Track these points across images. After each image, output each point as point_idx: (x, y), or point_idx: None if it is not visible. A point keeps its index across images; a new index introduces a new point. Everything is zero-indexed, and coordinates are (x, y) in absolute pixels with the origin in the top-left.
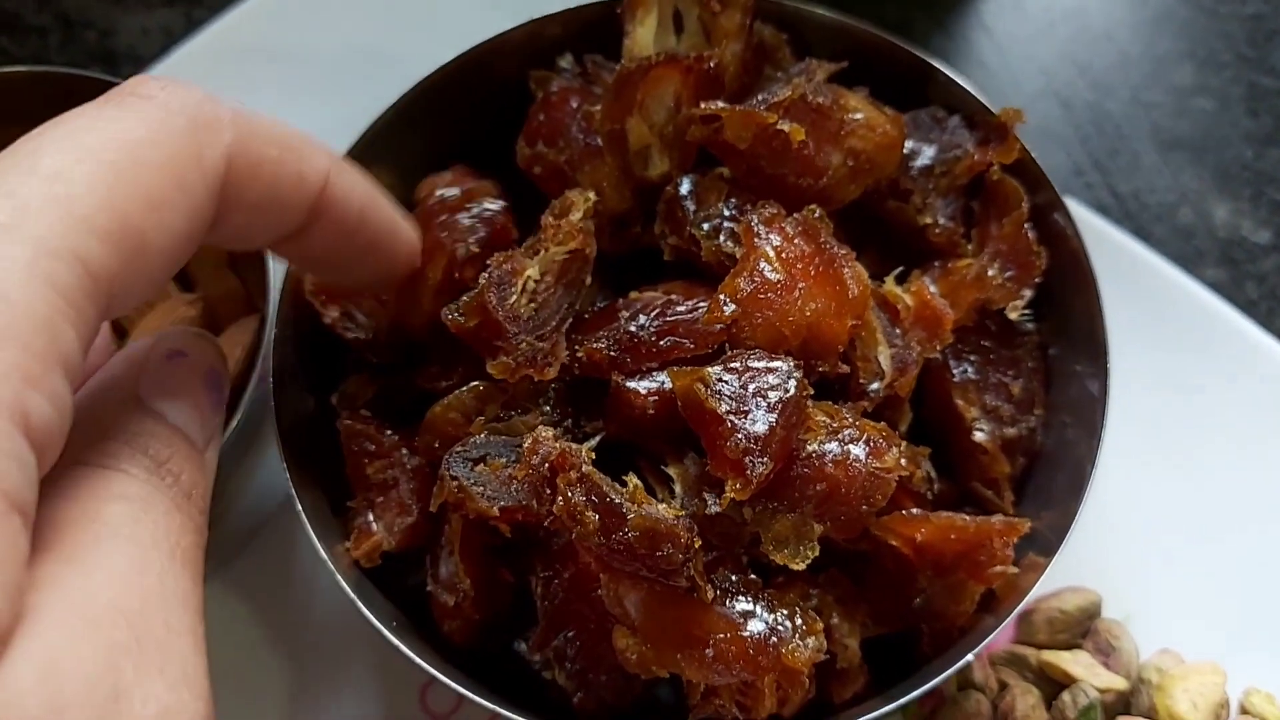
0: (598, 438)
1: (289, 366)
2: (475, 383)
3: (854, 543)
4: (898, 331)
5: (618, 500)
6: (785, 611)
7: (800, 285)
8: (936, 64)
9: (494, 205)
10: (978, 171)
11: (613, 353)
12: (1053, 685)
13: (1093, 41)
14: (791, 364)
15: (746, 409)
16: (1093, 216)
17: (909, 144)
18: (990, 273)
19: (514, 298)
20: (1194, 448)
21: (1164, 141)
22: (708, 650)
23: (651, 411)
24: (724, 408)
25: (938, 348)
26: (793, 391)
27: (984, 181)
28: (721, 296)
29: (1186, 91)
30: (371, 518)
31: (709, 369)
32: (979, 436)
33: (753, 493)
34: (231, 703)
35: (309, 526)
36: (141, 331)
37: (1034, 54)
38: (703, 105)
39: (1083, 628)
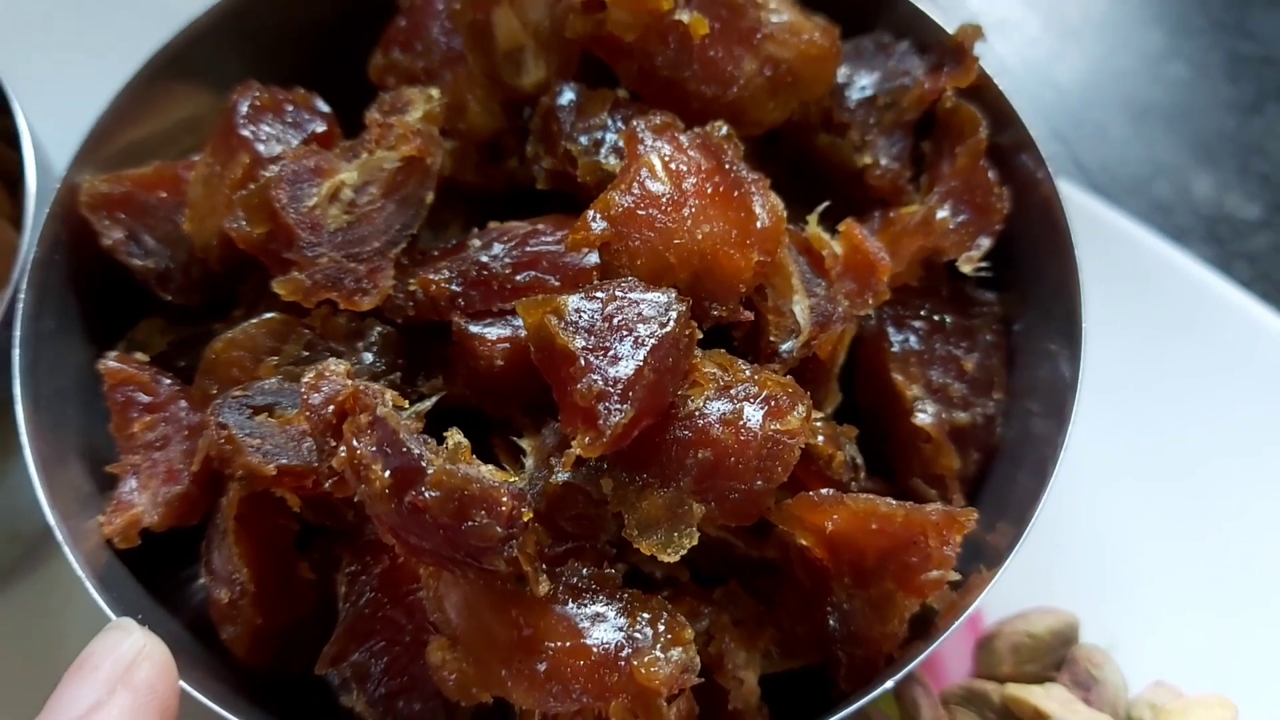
0: (433, 399)
1: (55, 307)
2: (269, 315)
3: (759, 546)
4: (820, 281)
5: (417, 452)
6: (647, 616)
7: (693, 203)
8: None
9: (318, 111)
10: (928, 103)
11: (455, 287)
12: None
13: (1052, 3)
14: (674, 295)
15: (608, 346)
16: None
17: (846, 71)
18: (940, 215)
19: (314, 201)
20: (1189, 444)
21: (1135, 110)
22: (540, 664)
23: (501, 363)
24: (579, 343)
25: (871, 304)
26: (670, 328)
27: (935, 114)
28: (591, 213)
29: (1157, 57)
30: (133, 485)
31: (565, 298)
32: (921, 419)
33: (608, 450)
34: None
35: (45, 499)
36: None
37: (982, 15)
38: None
39: (1057, 656)
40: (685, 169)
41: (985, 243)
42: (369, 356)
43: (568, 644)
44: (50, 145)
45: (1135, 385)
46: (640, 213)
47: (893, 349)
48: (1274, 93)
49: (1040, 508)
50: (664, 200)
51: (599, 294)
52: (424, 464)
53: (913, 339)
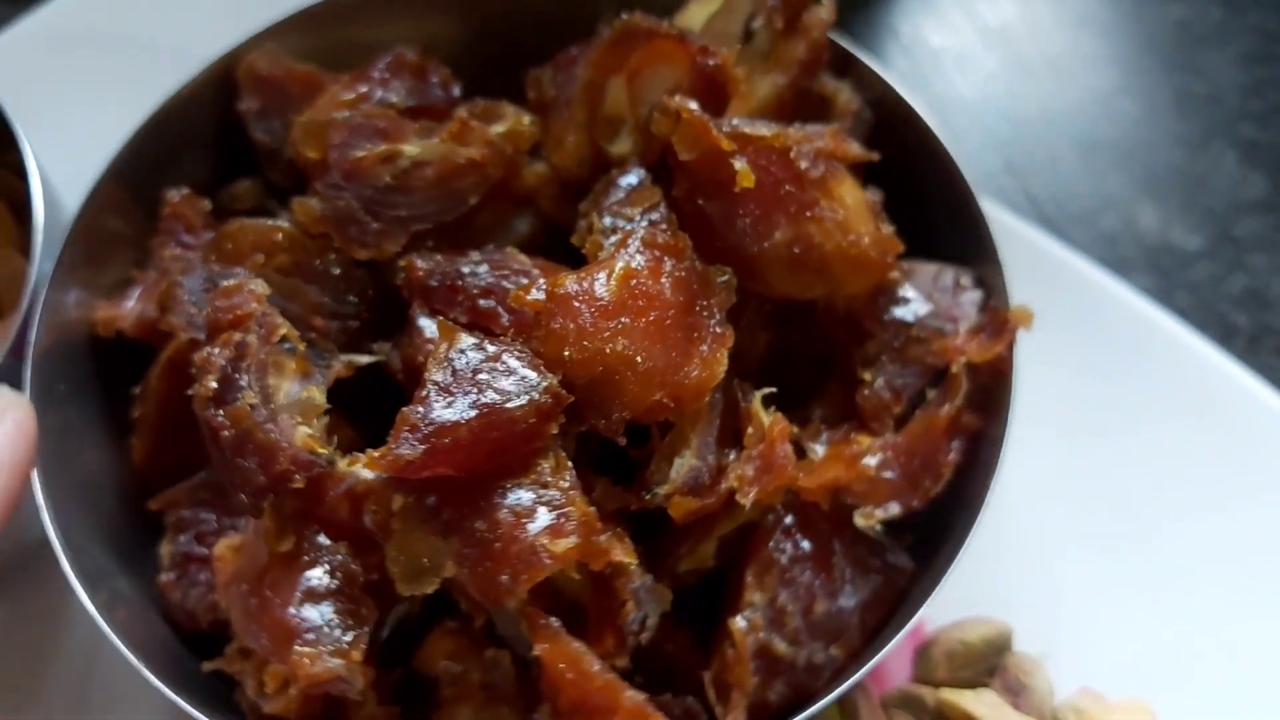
0: (342, 363)
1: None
2: (283, 221)
3: None
4: (714, 449)
5: (244, 382)
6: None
7: (624, 320)
8: (858, 53)
9: (449, 93)
10: (952, 358)
11: (433, 282)
12: None
13: (1009, 43)
14: (547, 384)
15: (453, 391)
16: (1006, 215)
17: (906, 288)
18: (869, 461)
19: (363, 154)
20: (1120, 466)
21: (1086, 144)
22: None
23: (420, 359)
24: (436, 376)
25: (752, 501)
26: (514, 405)
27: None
28: (541, 281)
29: (1109, 94)
30: (135, 295)
31: (463, 334)
32: (737, 624)
33: (384, 470)
34: None
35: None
36: None
37: (943, 55)
38: (676, 98)
39: (989, 664)
40: (643, 288)
41: (894, 510)
42: (342, 292)
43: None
44: (56, 177)
45: (1069, 408)
46: (575, 303)
47: (767, 547)
48: (1220, 129)
49: (977, 525)
50: (600, 303)
51: (489, 346)
52: (238, 396)
53: (789, 552)
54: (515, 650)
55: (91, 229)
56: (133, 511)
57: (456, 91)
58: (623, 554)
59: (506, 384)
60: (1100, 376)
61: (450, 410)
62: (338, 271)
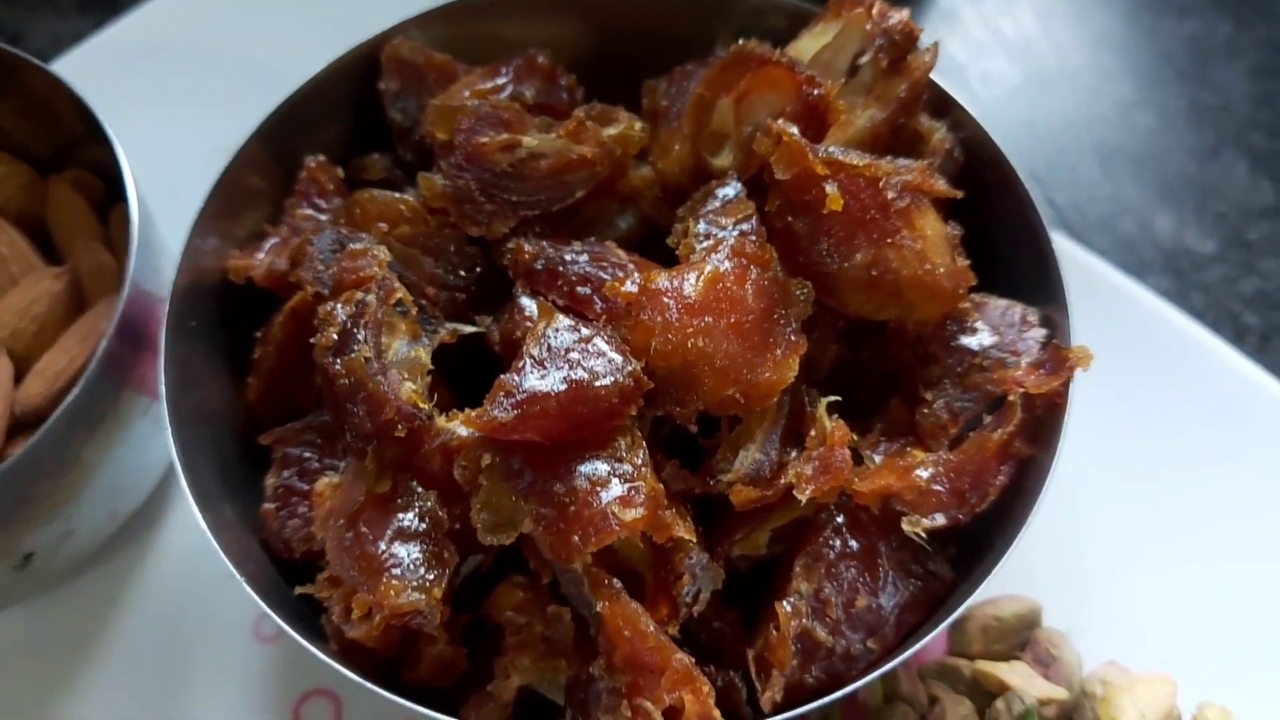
0: (448, 329)
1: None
2: (409, 196)
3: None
4: (778, 446)
5: (361, 336)
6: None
7: (706, 319)
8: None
9: (573, 97)
10: (1012, 389)
11: (538, 265)
12: (987, 698)
13: (1031, 56)
14: (632, 369)
15: (547, 366)
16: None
17: (975, 319)
18: (920, 473)
19: (486, 140)
20: (1142, 456)
21: (1104, 154)
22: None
23: (520, 335)
24: (534, 350)
25: (809, 497)
26: (600, 384)
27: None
28: (636, 275)
29: (1128, 106)
30: (267, 247)
31: (560, 315)
32: (783, 608)
33: (477, 428)
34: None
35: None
36: (4, 309)
37: (968, 69)
38: (780, 121)
39: (1020, 638)
40: (728, 292)
41: (939, 521)
42: (454, 265)
43: None
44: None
45: (1097, 400)
46: (664, 298)
47: (817, 542)
48: (1231, 139)
49: (1014, 546)
50: (688, 301)
51: (582, 329)
52: (354, 349)
53: (836, 549)
54: (575, 609)
55: (233, 184)
56: (240, 445)
57: (577, 97)
58: (684, 531)
59: (596, 364)
60: (1128, 374)
61: (543, 382)
62: (452, 247)
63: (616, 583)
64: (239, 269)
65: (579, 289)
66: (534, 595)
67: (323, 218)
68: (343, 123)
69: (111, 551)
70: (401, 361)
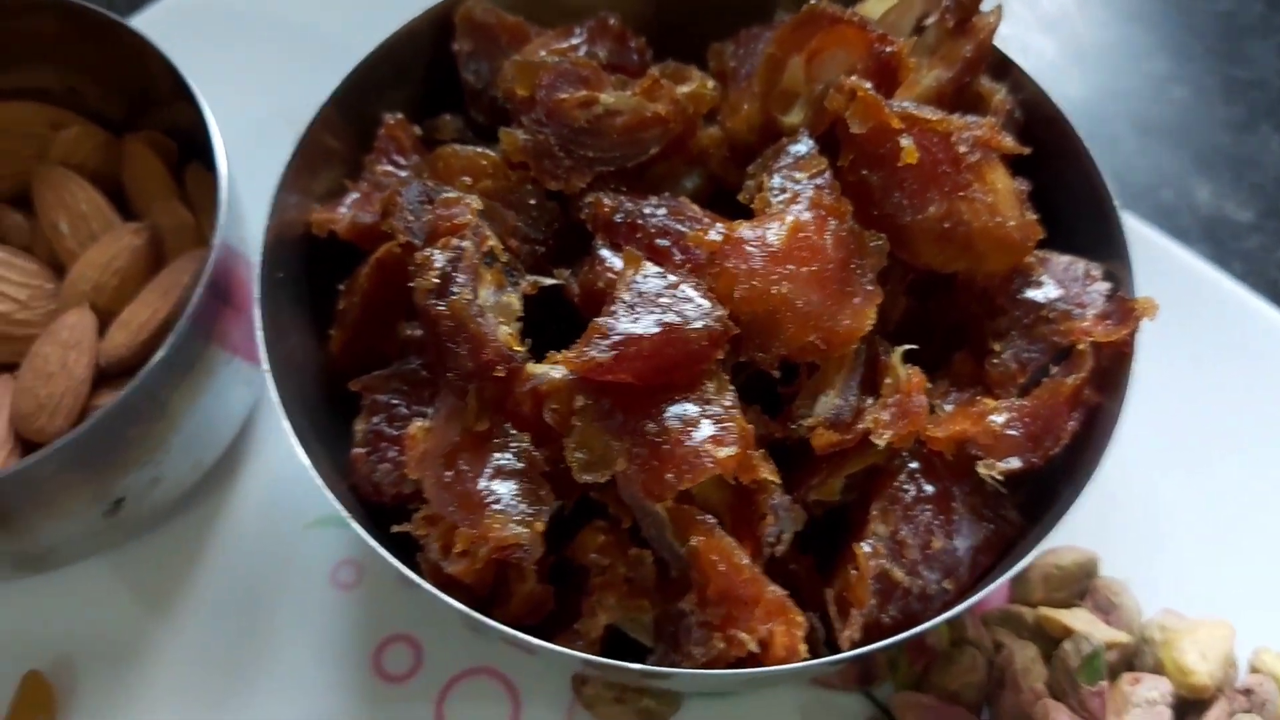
0: (529, 281)
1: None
2: (489, 150)
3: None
4: (855, 394)
5: (461, 280)
6: None
7: (789, 268)
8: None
9: (644, 59)
10: (1079, 339)
11: (616, 217)
12: (1050, 642)
13: (1067, 31)
14: (719, 314)
15: (638, 311)
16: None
17: (1040, 273)
18: (995, 419)
19: (565, 97)
20: (1196, 412)
21: (1141, 125)
22: None
23: (600, 286)
24: (624, 296)
25: (887, 442)
26: (690, 328)
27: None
28: (719, 225)
29: (1162, 80)
30: (349, 201)
31: (647, 262)
32: (863, 548)
33: (575, 370)
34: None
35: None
36: (86, 264)
37: (1008, 42)
38: (853, 78)
39: (1080, 586)
40: (809, 241)
41: (1014, 464)
42: (534, 219)
43: None
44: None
45: (1151, 359)
46: (748, 247)
47: (891, 486)
48: (1264, 113)
49: (1084, 493)
50: (771, 249)
51: (671, 276)
52: (455, 291)
53: (911, 493)
54: (656, 551)
55: (313, 143)
56: (322, 394)
57: (646, 59)
58: (769, 472)
59: (686, 309)
60: (1182, 337)
61: (636, 325)
62: (531, 201)
63: (710, 518)
64: (322, 222)
65: (657, 241)
66: (615, 538)
67: (402, 173)
68: (412, 85)
69: (192, 502)
70: (493, 307)
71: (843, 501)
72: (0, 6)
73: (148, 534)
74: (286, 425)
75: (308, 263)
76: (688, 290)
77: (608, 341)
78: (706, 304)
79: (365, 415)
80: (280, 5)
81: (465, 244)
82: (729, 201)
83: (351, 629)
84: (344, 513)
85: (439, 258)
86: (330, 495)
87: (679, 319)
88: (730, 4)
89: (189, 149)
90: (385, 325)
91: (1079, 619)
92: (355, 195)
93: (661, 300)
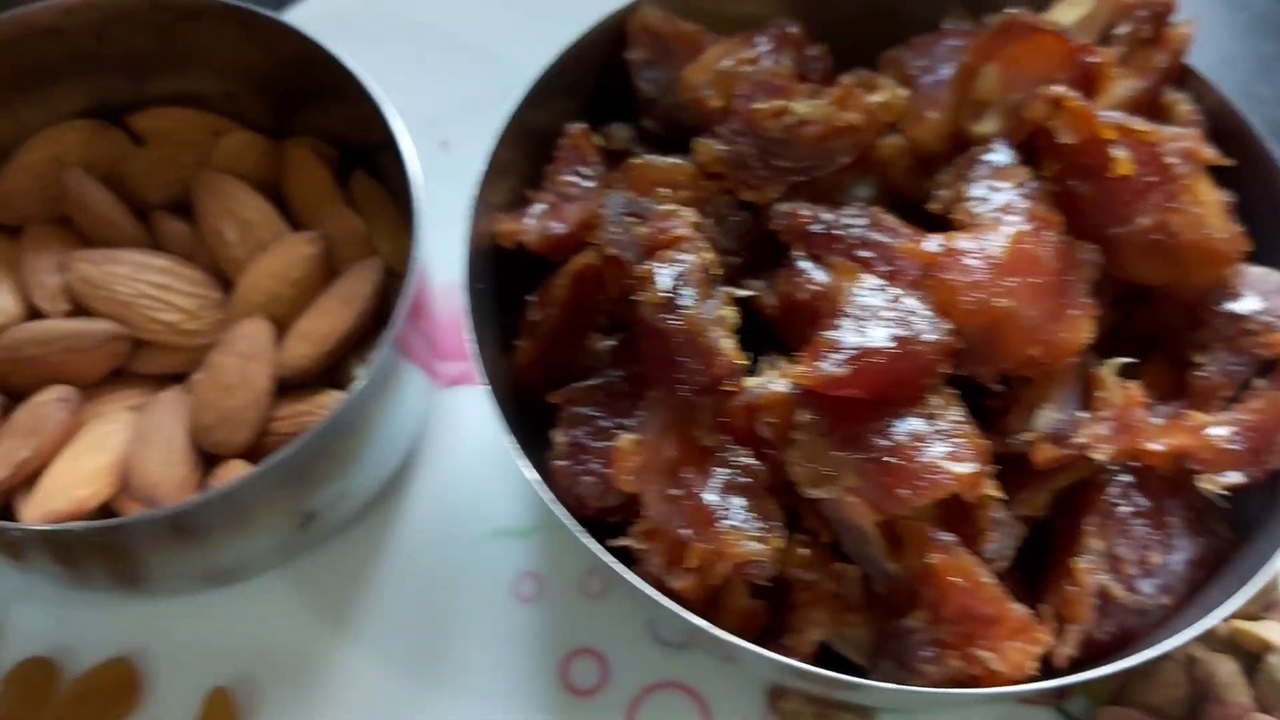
0: (728, 291)
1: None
2: (685, 160)
3: None
4: (1074, 406)
5: (686, 292)
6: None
7: (1012, 281)
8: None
9: (823, 65)
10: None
11: (814, 228)
12: (1245, 656)
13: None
14: (946, 327)
15: (865, 325)
16: None
17: (1239, 287)
18: (1216, 432)
19: (761, 106)
20: None
21: (1278, 133)
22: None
23: (803, 297)
24: (848, 307)
25: (1104, 454)
26: (920, 341)
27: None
28: (936, 237)
29: None
30: (535, 212)
31: (865, 274)
32: (1081, 564)
33: (805, 384)
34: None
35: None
36: (260, 273)
37: None
38: (1057, 87)
39: (1266, 599)
40: (1030, 252)
41: (1235, 479)
42: (729, 232)
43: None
44: None
45: None
46: (968, 259)
47: (1104, 499)
48: None
49: None
50: (994, 261)
51: (889, 289)
52: (683, 303)
53: (1126, 507)
54: (860, 566)
55: (496, 156)
56: (509, 406)
57: (825, 65)
58: (993, 488)
59: (914, 321)
60: None
61: (867, 338)
62: (726, 211)
63: (948, 535)
64: (509, 233)
65: (858, 252)
66: (817, 553)
67: (586, 184)
68: (584, 93)
69: (367, 514)
70: (715, 320)
71: (1046, 515)
72: (163, 9)
73: (323, 546)
74: (509, 441)
75: (497, 271)
76: (911, 303)
77: (841, 355)
78: (933, 316)
79: (565, 427)
80: (411, 6)
81: (689, 257)
82: (903, 211)
83: (535, 642)
84: (576, 529)
85: (664, 272)
86: (560, 512)
87: (909, 332)
88: (896, 13)
89: (353, 156)
90: (576, 337)
91: (1274, 631)
92: (542, 206)
93: (884, 314)
